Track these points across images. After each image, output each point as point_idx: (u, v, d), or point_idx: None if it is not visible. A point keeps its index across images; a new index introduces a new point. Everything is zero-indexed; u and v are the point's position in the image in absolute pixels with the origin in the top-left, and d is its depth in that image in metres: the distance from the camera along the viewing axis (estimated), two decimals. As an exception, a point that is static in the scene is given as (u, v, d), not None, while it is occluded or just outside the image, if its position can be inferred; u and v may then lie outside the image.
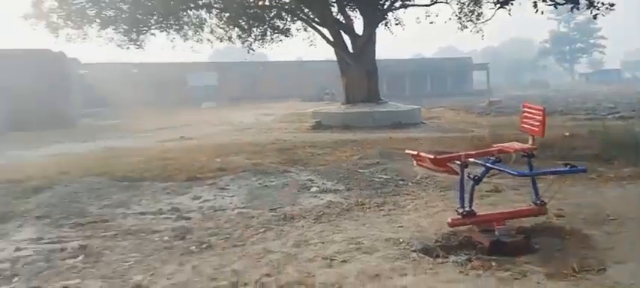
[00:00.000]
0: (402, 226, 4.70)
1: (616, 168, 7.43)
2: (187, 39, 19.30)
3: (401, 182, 6.95)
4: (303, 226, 4.95)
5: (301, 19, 17.06)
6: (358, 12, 16.94)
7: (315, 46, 19.23)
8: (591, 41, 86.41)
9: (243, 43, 18.35)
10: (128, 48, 16.51)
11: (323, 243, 4.30)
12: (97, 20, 14.83)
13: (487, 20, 16.59)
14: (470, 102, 32.57)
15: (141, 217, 5.69)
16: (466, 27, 16.95)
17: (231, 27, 17.70)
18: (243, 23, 17.04)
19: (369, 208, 5.58)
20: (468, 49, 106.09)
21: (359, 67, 15.95)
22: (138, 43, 16.50)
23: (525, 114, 4.48)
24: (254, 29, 17.52)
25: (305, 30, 18.29)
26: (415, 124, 15.50)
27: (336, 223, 5.01)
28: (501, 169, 4.21)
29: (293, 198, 6.29)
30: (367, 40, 16.05)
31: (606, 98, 30.42)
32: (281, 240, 4.50)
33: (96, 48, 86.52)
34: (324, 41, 17.35)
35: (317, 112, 16.83)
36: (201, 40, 19.15)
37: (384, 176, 7.35)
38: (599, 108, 22.00)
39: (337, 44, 16.22)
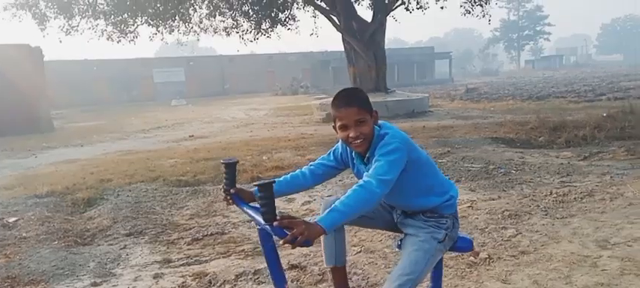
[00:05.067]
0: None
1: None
2: (172, 31, 18.17)
3: (514, 171, 6.46)
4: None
5: (313, 4, 16.29)
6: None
7: (318, 36, 18.45)
8: (538, 28, 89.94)
9: (242, 34, 17.46)
10: (119, 41, 15.25)
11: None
12: (89, 11, 13.54)
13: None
14: (443, 90, 32.96)
15: (252, 225, 4.98)
16: (469, 12, 16.78)
17: (229, 16, 16.74)
18: (248, 9, 16.13)
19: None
20: (414, 40, 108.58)
21: (368, 55, 15.44)
22: (131, 35, 15.26)
23: None
24: (260, 16, 16.61)
25: (314, 17, 17.56)
26: (426, 112, 15.25)
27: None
28: None
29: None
30: (377, 28, 15.55)
31: (571, 82, 31.64)
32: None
33: (76, 42, 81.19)
34: (318, 32, 16.77)
35: (325, 104, 16.21)
36: (190, 32, 18.06)
37: (477, 165, 6.93)
38: (581, 91, 22.74)
39: (347, 31, 15.61)
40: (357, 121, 1.85)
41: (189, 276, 3.71)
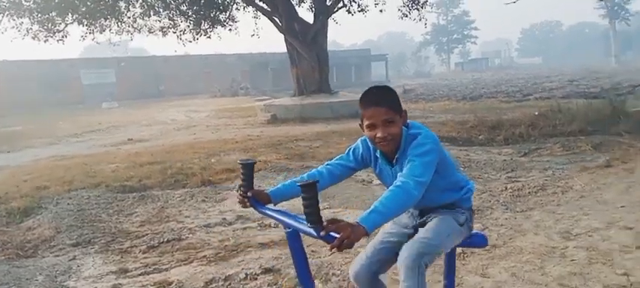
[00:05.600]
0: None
1: (628, 139, 7.87)
2: (103, 30, 17.25)
3: (462, 168, 6.63)
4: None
5: (254, 5, 16.03)
6: (311, 0, 16.40)
7: (259, 37, 18.19)
8: (465, 32, 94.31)
9: (180, 34, 16.85)
10: (46, 40, 14.18)
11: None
12: (13, 9, 12.48)
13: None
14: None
15: (210, 230, 4.77)
16: (406, 15, 17.26)
17: (165, 16, 16.11)
18: (187, 9, 15.57)
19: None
20: (349, 42, 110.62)
21: (311, 56, 15.43)
22: (59, 34, 14.24)
23: None
24: (199, 16, 16.09)
25: (255, 17, 17.26)
26: (369, 113, 15.46)
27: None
28: None
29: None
30: (319, 29, 15.57)
31: (498, 83, 33.44)
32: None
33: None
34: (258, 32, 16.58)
35: (270, 105, 15.99)
36: (123, 31, 17.21)
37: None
38: (509, 91, 24.06)
39: (290, 32, 15.50)
40: (385, 121, 1.80)
41: (151, 285, 3.48)
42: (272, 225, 4.79)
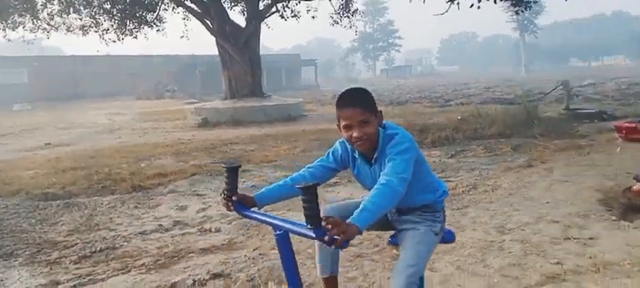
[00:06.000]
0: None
1: (543, 141, 8.51)
2: (17, 27, 16.02)
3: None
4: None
5: (184, 6, 15.52)
6: (243, 4, 16.18)
7: (188, 39, 17.63)
8: (390, 41, 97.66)
9: (103, 34, 15.95)
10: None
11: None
12: None
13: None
14: (312, 95, 34.01)
15: (146, 237, 4.56)
16: (337, 22, 17.58)
17: (86, 14, 15.19)
18: (111, 8, 14.76)
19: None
20: (278, 47, 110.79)
21: (244, 60, 15.22)
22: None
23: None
24: (124, 15, 15.31)
25: (185, 19, 16.68)
26: (302, 117, 15.54)
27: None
28: None
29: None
30: (252, 33, 15.40)
31: (422, 89, 34.93)
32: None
33: None
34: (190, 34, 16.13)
35: (200, 108, 15.55)
36: (38, 29, 16.06)
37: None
38: (432, 97, 25.18)
39: (221, 35, 15.19)
40: (361, 122, 1.86)
41: (88, 297, 3.26)
42: (212, 230, 4.67)
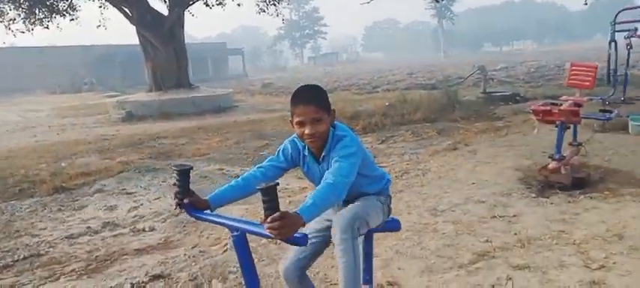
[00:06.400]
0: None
1: (464, 124, 8.98)
2: None
3: None
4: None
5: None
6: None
7: (106, 28, 16.54)
8: (316, 28, 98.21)
9: (9, 24, 14.62)
10: None
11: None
12: None
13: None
14: (240, 85, 33.51)
15: (74, 241, 4.31)
16: (264, 10, 17.36)
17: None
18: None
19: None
20: (202, 35, 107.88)
21: (168, 50, 14.61)
22: None
23: (573, 71, 5.16)
24: (33, 3, 14.08)
25: (101, 7, 15.62)
26: (232, 107, 15.27)
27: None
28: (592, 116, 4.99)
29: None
30: (175, 22, 14.80)
31: (349, 77, 35.54)
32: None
33: None
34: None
35: (124, 101, 14.76)
36: None
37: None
38: (360, 84, 25.69)
39: (142, 24, 14.45)
40: (314, 120, 1.89)
41: (14, 310, 3.04)
42: (146, 229, 4.52)
